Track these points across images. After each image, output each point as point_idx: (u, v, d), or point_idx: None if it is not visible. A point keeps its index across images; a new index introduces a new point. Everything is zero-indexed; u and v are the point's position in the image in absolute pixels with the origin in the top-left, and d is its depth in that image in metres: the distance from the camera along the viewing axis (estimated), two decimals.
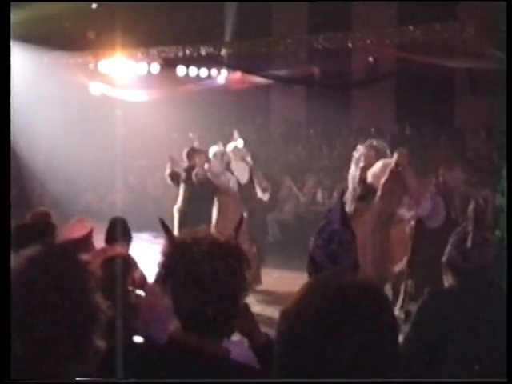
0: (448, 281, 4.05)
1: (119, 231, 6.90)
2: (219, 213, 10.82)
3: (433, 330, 3.82)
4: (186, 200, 11.01)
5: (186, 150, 11.28)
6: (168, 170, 11.33)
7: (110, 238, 6.99)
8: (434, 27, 13.86)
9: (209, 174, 10.85)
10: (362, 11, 18.60)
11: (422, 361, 3.60)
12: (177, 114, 17.66)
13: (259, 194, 11.43)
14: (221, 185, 10.87)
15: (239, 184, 11.11)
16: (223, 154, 11.20)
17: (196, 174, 10.87)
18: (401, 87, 19.43)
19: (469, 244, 3.94)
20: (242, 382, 2.37)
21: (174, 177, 11.26)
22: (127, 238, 7.06)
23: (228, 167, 11.13)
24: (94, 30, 19.16)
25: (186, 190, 11.06)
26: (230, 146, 11.66)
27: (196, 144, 11.70)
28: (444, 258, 4.09)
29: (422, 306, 3.98)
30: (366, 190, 9.13)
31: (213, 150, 11.27)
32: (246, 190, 11.30)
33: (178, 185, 11.33)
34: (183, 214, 10.82)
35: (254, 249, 9.20)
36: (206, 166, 10.93)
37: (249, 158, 11.64)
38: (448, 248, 4.08)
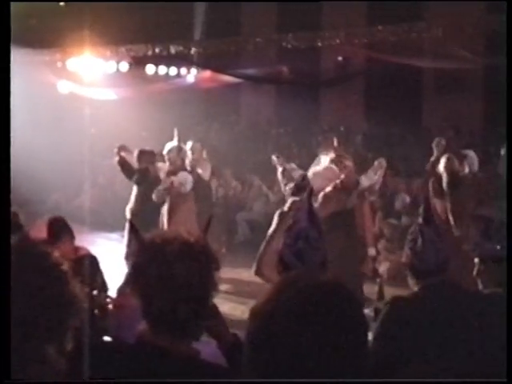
0: (410, 282, 4.04)
1: (60, 231, 6.66)
2: (171, 213, 10.79)
3: (396, 339, 3.78)
4: (138, 201, 10.98)
5: (135, 152, 11.18)
6: (116, 158, 11.22)
7: (52, 239, 6.66)
8: (402, 27, 13.94)
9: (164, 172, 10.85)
10: (332, 10, 18.66)
11: (388, 366, 3.58)
12: (146, 112, 17.60)
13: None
14: (180, 186, 10.86)
15: (197, 182, 11.13)
16: (180, 149, 11.12)
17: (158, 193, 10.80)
18: (370, 86, 19.50)
19: (420, 241, 3.92)
20: (215, 382, 2.37)
21: (124, 165, 11.20)
22: (66, 239, 6.78)
23: (183, 164, 11.10)
24: (62, 27, 19.02)
25: (138, 191, 11.05)
26: (188, 145, 11.66)
27: (175, 141, 11.53)
28: (403, 259, 4.08)
29: (384, 316, 3.93)
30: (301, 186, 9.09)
31: (168, 145, 11.16)
32: (204, 188, 11.37)
33: (128, 175, 11.31)
34: (135, 215, 10.70)
35: (224, 249, 9.20)
36: (160, 166, 10.96)
37: (205, 155, 11.70)
38: (405, 249, 4.07)
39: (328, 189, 8.86)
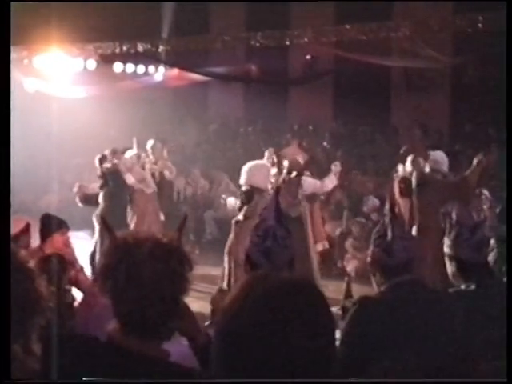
0: (376, 281, 4.03)
1: (53, 225, 6.86)
2: (136, 213, 11.09)
3: (365, 339, 3.76)
4: (105, 205, 11.23)
5: (97, 157, 11.56)
6: (77, 195, 11.89)
7: (45, 236, 6.88)
8: (370, 26, 13.99)
9: (122, 167, 11.12)
10: (300, 9, 18.68)
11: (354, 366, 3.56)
12: (114, 110, 17.50)
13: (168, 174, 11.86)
14: (144, 188, 11.14)
15: (159, 182, 11.49)
16: (139, 157, 11.46)
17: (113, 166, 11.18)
18: (338, 85, 19.56)
19: (389, 237, 3.93)
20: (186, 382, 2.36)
21: (85, 199, 11.77)
22: (64, 228, 7.02)
23: (143, 169, 11.44)
24: (28, 24, 18.85)
25: (104, 196, 11.30)
26: (149, 144, 11.98)
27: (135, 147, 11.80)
28: (368, 258, 4.07)
29: (352, 315, 3.90)
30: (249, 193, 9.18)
31: (128, 154, 11.44)
32: (166, 187, 11.88)
33: (92, 203, 11.61)
34: (101, 214, 10.94)
35: (197, 250, 9.20)
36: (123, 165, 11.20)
37: (165, 154, 11.99)
38: (371, 247, 4.06)
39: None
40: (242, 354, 1.71)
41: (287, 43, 15.47)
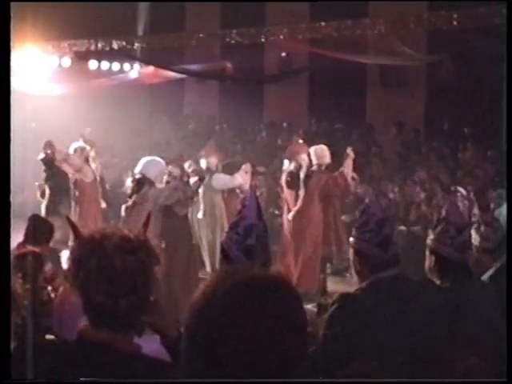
0: (359, 275, 4.02)
1: (40, 230, 7.07)
2: (78, 204, 11.64)
3: (347, 337, 3.74)
4: (49, 196, 11.90)
5: (44, 143, 12.10)
6: (42, 155, 12.09)
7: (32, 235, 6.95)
8: (346, 24, 14.01)
9: (58, 157, 11.71)
10: (275, 6, 18.67)
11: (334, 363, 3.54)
12: (89, 108, 17.43)
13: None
14: (82, 178, 11.65)
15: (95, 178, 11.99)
16: (83, 149, 11.90)
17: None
18: (313, 82, 19.58)
19: (385, 232, 3.93)
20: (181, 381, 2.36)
21: (47, 161, 12.05)
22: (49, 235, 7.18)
23: (87, 162, 11.90)
24: None
25: (49, 188, 11.96)
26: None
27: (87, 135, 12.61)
28: (352, 253, 4.06)
29: (332, 315, 3.87)
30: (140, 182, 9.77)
31: (73, 145, 11.98)
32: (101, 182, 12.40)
33: (51, 169, 12.09)
34: (47, 204, 11.78)
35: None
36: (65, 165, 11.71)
37: (92, 153, 12.36)
38: (355, 241, 4.04)
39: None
40: (210, 349, 1.70)
41: (262, 40, 15.48)
